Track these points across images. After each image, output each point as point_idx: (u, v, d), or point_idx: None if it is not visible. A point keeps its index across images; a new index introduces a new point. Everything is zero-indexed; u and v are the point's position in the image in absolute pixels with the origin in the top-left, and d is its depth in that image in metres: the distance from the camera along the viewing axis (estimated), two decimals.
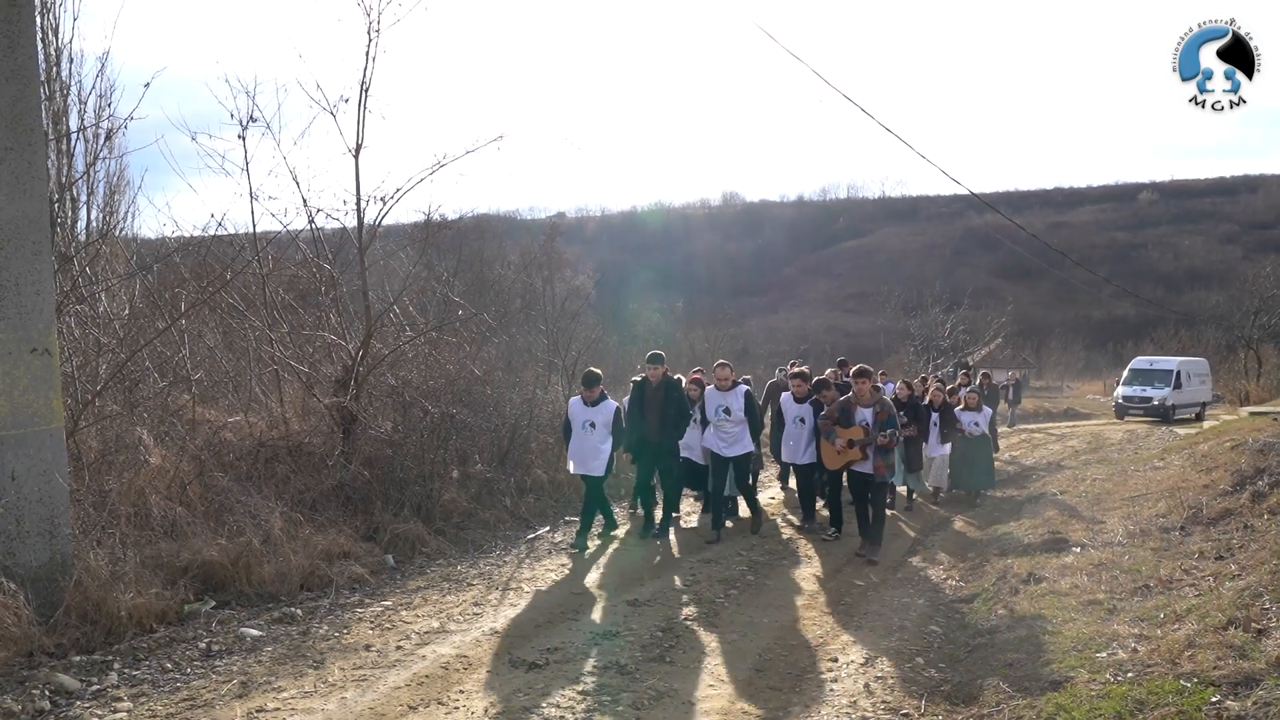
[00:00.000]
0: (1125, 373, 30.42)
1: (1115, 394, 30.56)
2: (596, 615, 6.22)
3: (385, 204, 9.82)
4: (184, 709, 4.45)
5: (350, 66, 9.39)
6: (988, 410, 12.01)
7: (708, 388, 9.13)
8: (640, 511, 9.82)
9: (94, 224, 13.29)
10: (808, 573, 7.69)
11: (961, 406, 11.78)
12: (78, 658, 5.05)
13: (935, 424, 11.45)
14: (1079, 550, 7.58)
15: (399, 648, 5.44)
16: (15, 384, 5.71)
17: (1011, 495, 12.22)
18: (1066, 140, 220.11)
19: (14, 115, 5.79)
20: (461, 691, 4.74)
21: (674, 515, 9.38)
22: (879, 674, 5.17)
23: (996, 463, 13.53)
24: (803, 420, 9.28)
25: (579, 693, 4.73)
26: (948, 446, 11.52)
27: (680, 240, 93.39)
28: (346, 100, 9.40)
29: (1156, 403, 28.15)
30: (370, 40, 9.20)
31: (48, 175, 6.46)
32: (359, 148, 9.49)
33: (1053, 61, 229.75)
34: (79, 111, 11.06)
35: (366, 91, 9.34)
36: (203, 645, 5.36)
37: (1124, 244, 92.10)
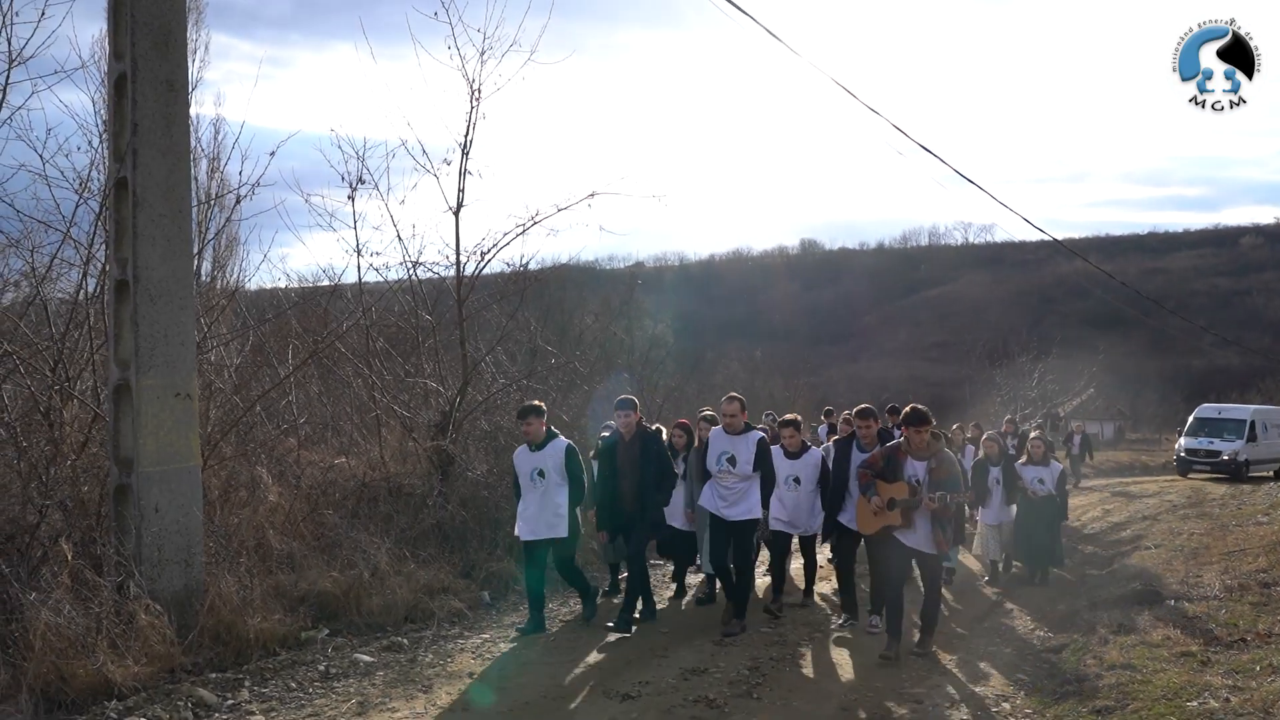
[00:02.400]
0: (1189, 421, 26.34)
1: (1177, 446, 26.45)
2: (686, 653, 6.44)
3: (483, 258, 10.44)
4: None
5: (452, 131, 10.05)
6: (1056, 464, 9.58)
7: (712, 430, 7.37)
8: (605, 590, 8.43)
9: (209, 277, 14.37)
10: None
11: (1023, 459, 9.59)
12: (213, 675, 5.54)
13: (997, 481, 9.48)
14: (1173, 603, 7.46)
15: (500, 675, 5.77)
16: (161, 425, 6.34)
17: (1095, 553, 11.47)
18: (1066, 140, 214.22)
19: (168, 186, 6.52)
20: (559, 715, 5.04)
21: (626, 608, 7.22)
22: (963, 717, 5.25)
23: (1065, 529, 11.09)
24: (797, 481, 7.72)
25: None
26: (1013, 510, 9.43)
27: (759, 288, 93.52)
28: (448, 163, 10.10)
29: (1226, 457, 24.29)
30: (472, 107, 9.91)
31: (192, 239, 7.19)
32: (459, 206, 10.17)
33: (1052, 62, 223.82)
34: (210, 175, 12.12)
35: (467, 155, 10.03)
36: (321, 668, 5.80)
37: (1226, 290, 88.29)
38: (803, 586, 8.49)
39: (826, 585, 8.88)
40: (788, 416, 8.14)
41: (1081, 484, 21.74)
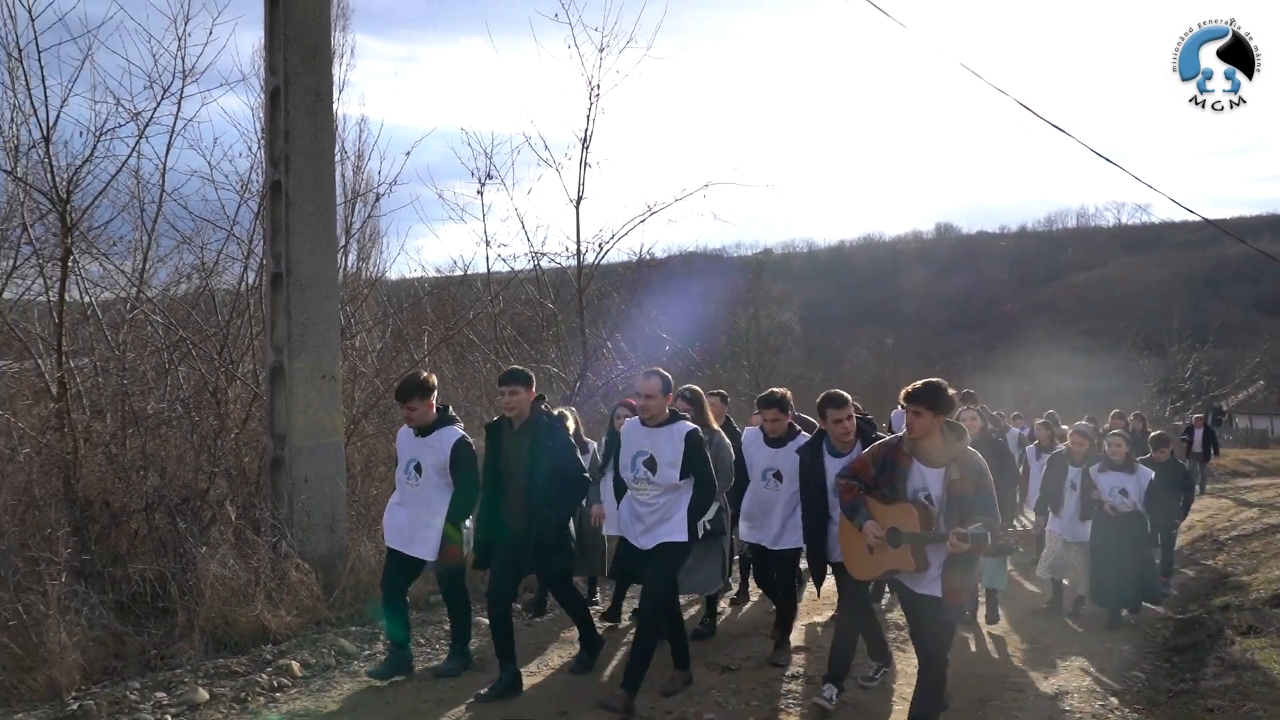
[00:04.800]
0: None
1: None
2: None
3: (602, 249, 10.85)
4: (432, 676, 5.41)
5: (572, 126, 10.53)
6: (1145, 471, 7.19)
7: (626, 421, 5.34)
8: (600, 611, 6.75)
9: (354, 268, 15.45)
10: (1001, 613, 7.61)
11: (1099, 464, 7.24)
12: (353, 628, 6.16)
13: (1073, 486, 7.32)
14: None
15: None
16: (310, 404, 7.03)
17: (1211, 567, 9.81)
18: (869, 163, 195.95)
19: (316, 186, 7.18)
20: None
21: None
22: (1066, 708, 5.21)
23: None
24: (778, 477, 5.68)
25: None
26: (1087, 527, 7.22)
27: (891, 275, 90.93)
28: (569, 158, 10.54)
29: None
30: (591, 103, 10.30)
31: (337, 234, 7.88)
32: (579, 199, 10.60)
33: (1051, 62, 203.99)
34: (355, 173, 13.07)
35: (586, 149, 10.43)
36: (446, 628, 6.32)
37: None
38: (815, 619, 6.78)
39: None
40: (772, 391, 5.88)
41: (1207, 488, 18.67)
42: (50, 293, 8.61)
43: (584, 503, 6.61)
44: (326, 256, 7.23)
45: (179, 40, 7.92)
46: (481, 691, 5.06)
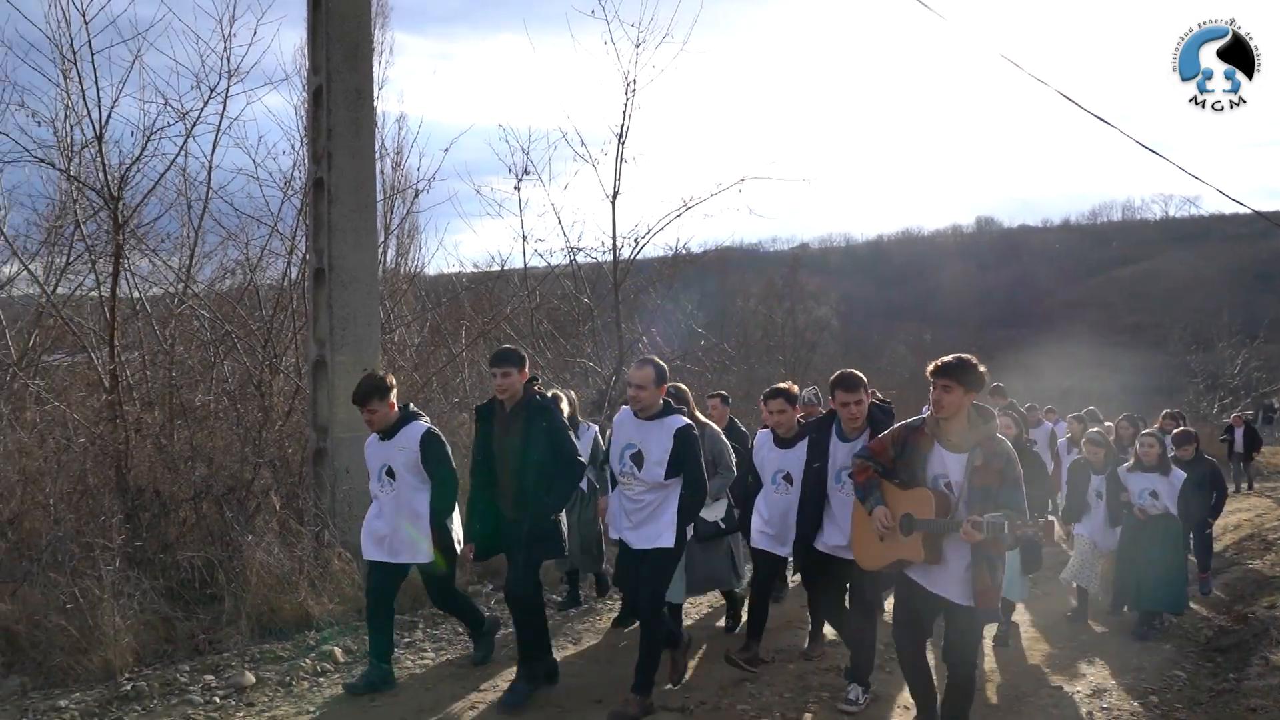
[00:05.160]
0: None
1: None
2: None
3: (638, 244, 10.92)
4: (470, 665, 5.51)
5: (609, 121, 10.60)
6: (1178, 473, 6.84)
7: (620, 411, 4.99)
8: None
9: (393, 264, 15.70)
10: (1041, 609, 7.55)
11: (1129, 464, 6.94)
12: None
13: (1099, 494, 7.01)
14: None
15: None
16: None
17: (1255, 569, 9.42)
18: (907, 157, 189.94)
19: (357, 184, 7.31)
20: None
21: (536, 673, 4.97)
22: (1105, 705, 5.17)
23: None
24: (788, 480, 5.35)
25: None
26: (1117, 532, 6.92)
27: (929, 269, 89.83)
28: (605, 153, 10.61)
29: None
30: (627, 99, 10.36)
31: (377, 231, 8.02)
32: (615, 194, 10.67)
33: (1051, 62, 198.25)
34: (394, 170, 13.26)
35: (623, 144, 10.50)
36: (486, 614, 6.43)
37: None
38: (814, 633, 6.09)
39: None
40: (778, 385, 5.61)
41: (1255, 486, 18.20)
42: (102, 288, 8.89)
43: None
44: (368, 252, 7.37)
45: (225, 41, 8.13)
46: (514, 686, 4.83)
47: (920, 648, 4.19)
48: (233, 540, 6.38)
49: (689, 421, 4.77)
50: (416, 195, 11.33)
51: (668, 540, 4.67)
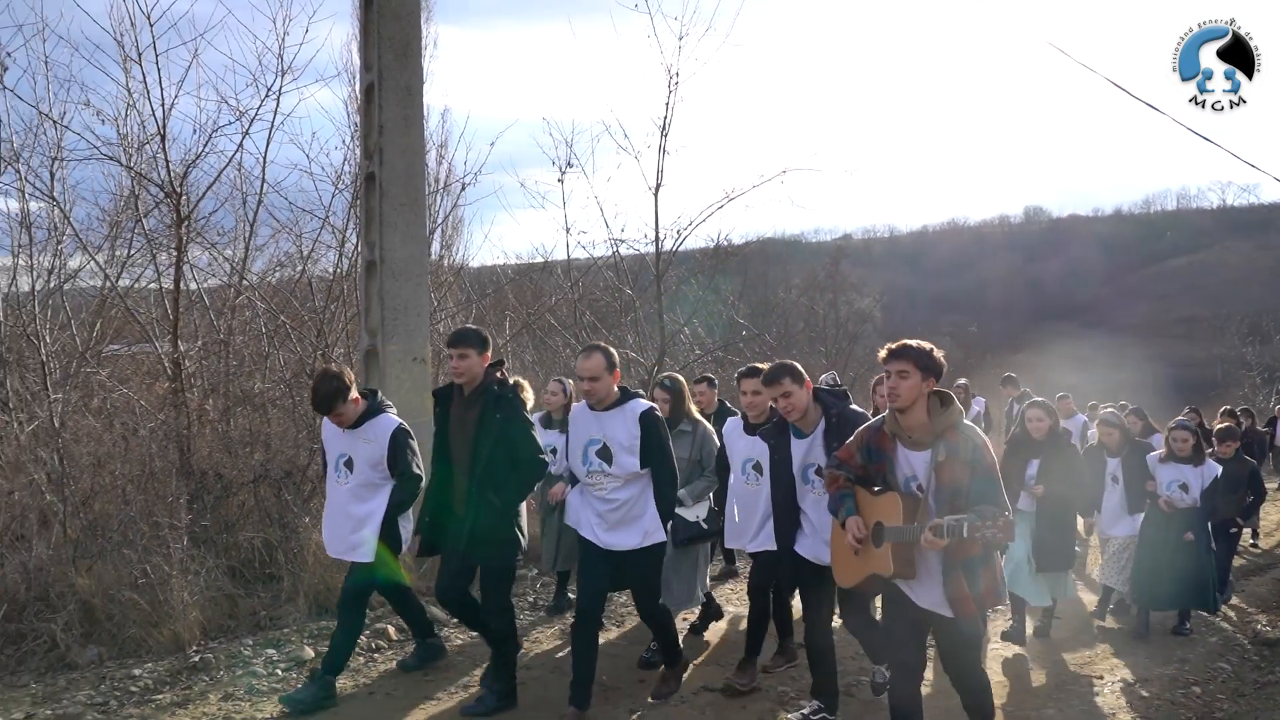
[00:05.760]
0: None
1: None
2: None
3: (679, 235, 11.01)
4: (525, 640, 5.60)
5: (651, 114, 10.72)
6: (1212, 465, 6.55)
7: (574, 407, 4.67)
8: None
9: (438, 256, 15.99)
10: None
11: (1162, 453, 6.60)
12: None
13: (1115, 479, 6.63)
14: None
15: None
16: (402, 385, 7.38)
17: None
18: (952, 147, 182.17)
19: (407, 178, 7.51)
20: None
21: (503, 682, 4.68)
22: (1144, 694, 5.18)
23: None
24: (758, 469, 4.88)
25: None
26: (1137, 521, 6.58)
27: (975, 260, 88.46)
28: (649, 146, 10.71)
29: None
30: (670, 91, 10.44)
31: (426, 224, 8.23)
32: (658, 186, 10.76)
33: (1003, 68, 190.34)
34: (438, 162, 13.50)
35: (665, 136, 10.58)
36: (531, 599, 6.63)
37: None
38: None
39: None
40: (754, 364, 5.13)
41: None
42: (162, 280, 9.25)
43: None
44: (417, 245, 7.57)
45: (279, 39, 8.39)
46: (473, 703, 4.57)
47: (915, 691, 3.73)
48: (290, 522, 6.65)
49: (652, 404, 4.51)
50: (463, 189, 11.55)
51: (659, 535, 4.44)
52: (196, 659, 5.20)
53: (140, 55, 8.07)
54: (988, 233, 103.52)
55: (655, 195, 10.84)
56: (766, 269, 26.58)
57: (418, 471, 4.77)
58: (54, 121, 8.53)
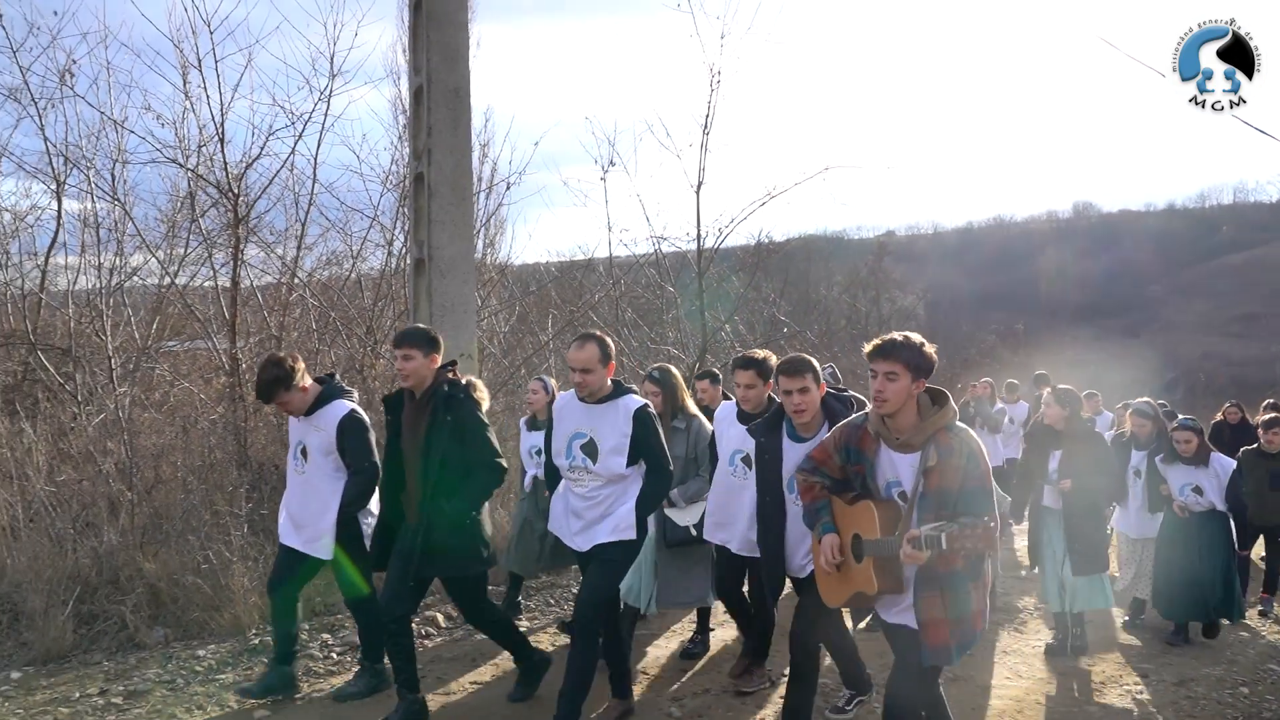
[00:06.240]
0: None
1: None
2: None
3: (721, 233, 11.09)
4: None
5: (693, 113, 10.84)
6: (1226, 462, 6.15)
7: (559, 397, 4.42)
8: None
9: (481, 254, 16.24)
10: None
11: (1164, 455, 6.22)
12: (489, 587, 6.66)
13: (1137, 472, 6.32)
14: None
15: None
16: None
17: None
18: (999, 143, 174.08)
19: (455, 178, 7.70)
20: None
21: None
22: (1190, 695, 5.15)
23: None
24: (747, 462, 4.48)
25: None
26: (1157, 521, 6.27)
27: (1022, 257, 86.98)
28: (690, 145, 10.81)
29: None
30: (712, 90, 10.53)
31: (473, 223, 8.41)
32: (700, 184, 10.85)
33: (1050, 62, 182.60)
34: (481, 161, 13.72)
35: (707, 134, 10.67)
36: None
37: None
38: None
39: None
40: (752, 353, 4.67)
41: None
42: (219, 277, 9.57)
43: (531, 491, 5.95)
44: (465, 244, 7.75)
45: (330, 43, 8.64)
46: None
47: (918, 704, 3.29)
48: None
49: (645, 401, 4.22)
50: (508, 188, 11.75)
51: (629, 532, 4.06)
52: (256, 641, 5.43)
53: (200, 61, 8.38)
54: (1035, 228, 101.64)
55: (697, 193, 10.95)
56: (809, 266, 26.50)
57: (370, 465, 4.50)
58: (117, 125, 8.89)
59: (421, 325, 4.74)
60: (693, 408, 5.25)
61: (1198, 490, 6.03)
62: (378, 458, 4.55)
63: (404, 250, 9.15)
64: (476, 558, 4.33)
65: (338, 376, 4.83)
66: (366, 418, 4.60)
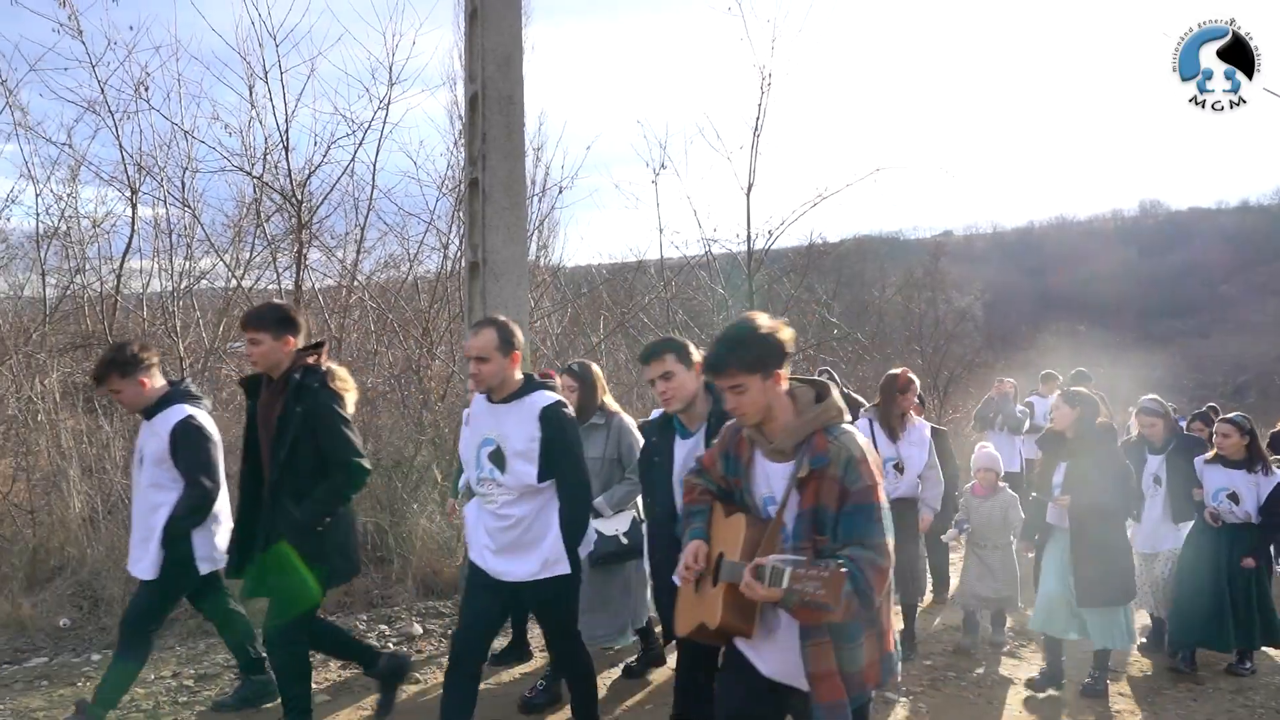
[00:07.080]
0: None
1: None
2: None
3: (771, 235, 11.11)
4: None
5: (743, 115, 10.90)
6: (1277, 473, 5.39)
7: (474, 399, 3.70)
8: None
9: (534, 257, 16.47)
10: None
11: (1209, 455, 5.51)
12: None
13: (1157, 480, 5.63)
14: None
15: None
16: None
17: None
18: (1061, 142, 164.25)
19: (509, 183, 7.86)
20: None
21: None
22: (1247, 703, 5.04)
23: None
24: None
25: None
26: (1183, 531, 5.64)
27: (1085, 257, 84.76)
28: (740, 147, 10.86)
29: None
30: (762, 92, 10.57)
31: (526, 226, 8.59)
32: (750, 186, 10.90)
33: (1050, 62, 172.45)
34: (534, 164, 13.95)
35: (758, 136, 10.71)
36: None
37: None
38: None
39: None
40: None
41: None
42: (282, 280, 9.92)
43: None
44: (518, 247, 7.91)
45: (389, 52, 8.91)
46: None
47: None
48: (399, 509, 7.08)
49: (559, 398, 3.59)
50: (560, 192, 11.94)
51: (561, 566, 3.48)
52: None
53: (266, 72, 8.70)
54: (1099, 227, 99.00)
55: (747, 195, 11.00)
56: (863, 267, 26.23)
57: (206, 482, 3.99)
58: (187, 134, 9.27)
59: (275, 303, 4.18)
60: (613, 405, 4.77)
61: (1234, 497, 5.33)
62: (220, 476, 4.10)
63: (459, 254, 9.37)
64: (324, 569, 3.75)
65: (188, 381, 4.43)
66: (209, 427, 4.09)
